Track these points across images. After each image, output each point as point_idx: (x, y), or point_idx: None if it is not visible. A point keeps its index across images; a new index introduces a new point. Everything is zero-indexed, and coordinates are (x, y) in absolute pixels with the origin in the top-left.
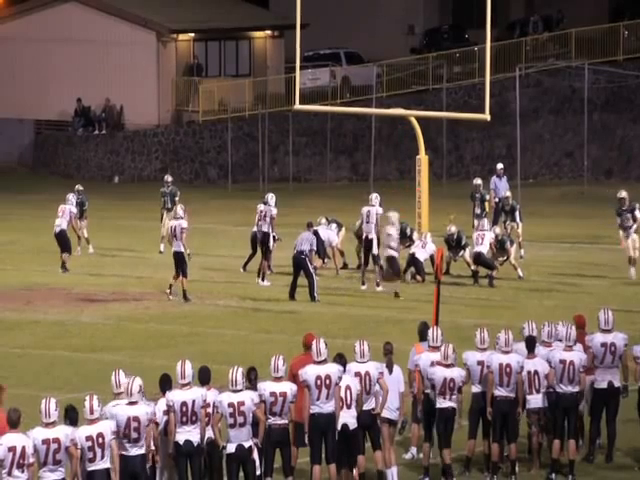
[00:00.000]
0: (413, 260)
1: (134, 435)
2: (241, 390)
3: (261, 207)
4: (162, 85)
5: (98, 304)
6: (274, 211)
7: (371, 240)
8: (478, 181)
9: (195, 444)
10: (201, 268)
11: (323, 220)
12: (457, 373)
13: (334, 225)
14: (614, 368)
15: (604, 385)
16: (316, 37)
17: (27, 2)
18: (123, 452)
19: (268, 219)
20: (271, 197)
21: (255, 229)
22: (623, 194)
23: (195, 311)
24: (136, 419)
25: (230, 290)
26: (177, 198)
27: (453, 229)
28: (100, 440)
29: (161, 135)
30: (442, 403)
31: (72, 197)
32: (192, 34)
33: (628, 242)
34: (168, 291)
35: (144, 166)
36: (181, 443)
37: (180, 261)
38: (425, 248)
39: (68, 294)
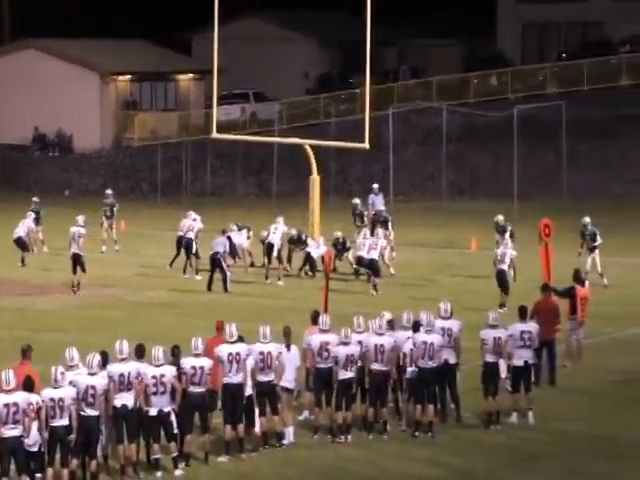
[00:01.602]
0: (308, 258)
1: (90, 400)
2: (162, 364)
3: (190, 221)
4: (104, 116)
5: (51, 294)
6: (201, 226)
7: (272, 245)
8: (356, 200)
9: (129, 407)
10: (136, 265)
11: (234, 227)
12: (355, 349)
13: (244, 231)
14: (450, 348)
15: (441, 361)
16: (230, 79)
17: None
18: (81, 412)
19: (195, 231)
20: (196, 215)
21: (181, 234)
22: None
23: (130, 300)
24: (93, 387)
25: (159, 283)
26: (116, 208)
27: (339, 234)
28: (60, 403)
29: (104, 157)
30: (343, 375)
31: (31, 214)
32: (129, 76)
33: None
34: (75, 288)
35: (89, 182)
36: (118, 406)
37: (78, 261)
38: (318, 249)
39: (27, 286)
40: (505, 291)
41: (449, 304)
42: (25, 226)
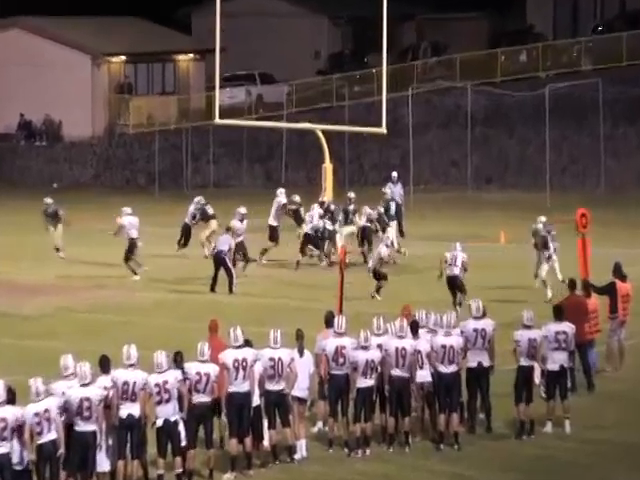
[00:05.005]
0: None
1: (86, 414)
2: (165, 370)
3: (191, 208)
4: (96, 102)
5: (38, 296)
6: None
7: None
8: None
9: (136, 417)
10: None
11: (243, 210)
12: (376, 354)
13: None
14: (484, 350)
15: (474, 364)
16: (233, 59)
17: None
18: (76, 428)
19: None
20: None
21: (187, 221)
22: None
23: (126, 302)
24: (88, 399)
25: (158, 284)
26: (61, 212)
27: (352, 195)
28: (47, 415)
29: (95, 146)
30: (363, 383)
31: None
32: (123, 57)
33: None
34: None
35: (80, 174)
36: (124, 417)
37: None
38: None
39: (11, 286)
40: (463, 291)
41: (481, 302)
42: None
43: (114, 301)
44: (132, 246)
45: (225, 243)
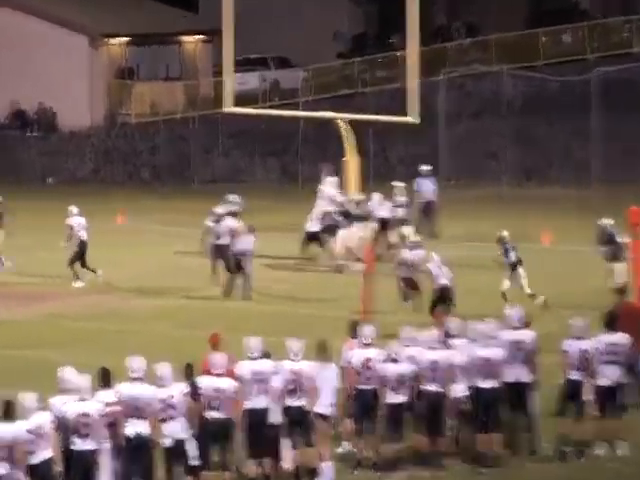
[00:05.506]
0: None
1: (84, 431)
2: (170, 384)
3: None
4: (95, 88)
5: (27, 302)
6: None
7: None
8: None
9: (145, 436)
10: (134, 267)
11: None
12: (407, 368)
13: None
14: (522, 364)
15: (512, 380)
16: (245, 42)
17: None
18: (74, 447)
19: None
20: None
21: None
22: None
23: (121, 308)
24: (86, 415)
25: (162, 288)
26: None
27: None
28: (40, 431)
29: (94, 137)
30: (393, 398)
31: None
32: (124, 38)
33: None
34: None
35: (77, 167)
36: (131, 436)
37: None
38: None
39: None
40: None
41: (520, 310)
42: None
43: (107, 307)
44: (83, 249)
45: (246, 243)
